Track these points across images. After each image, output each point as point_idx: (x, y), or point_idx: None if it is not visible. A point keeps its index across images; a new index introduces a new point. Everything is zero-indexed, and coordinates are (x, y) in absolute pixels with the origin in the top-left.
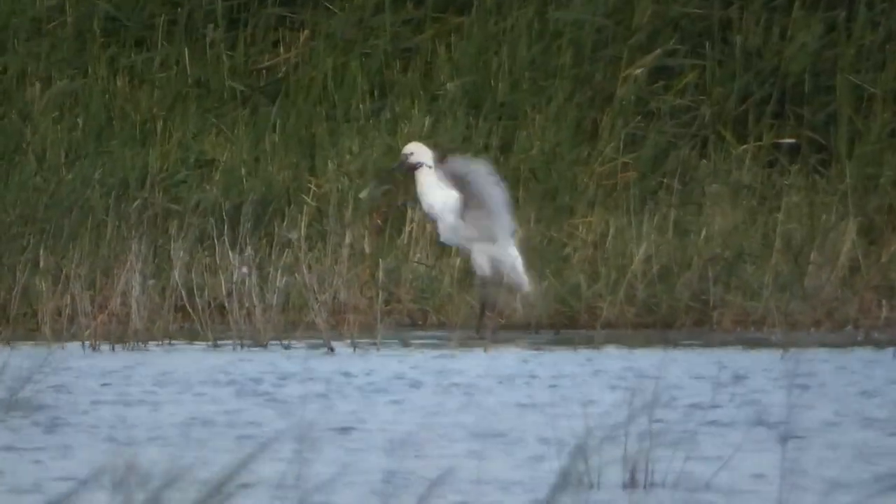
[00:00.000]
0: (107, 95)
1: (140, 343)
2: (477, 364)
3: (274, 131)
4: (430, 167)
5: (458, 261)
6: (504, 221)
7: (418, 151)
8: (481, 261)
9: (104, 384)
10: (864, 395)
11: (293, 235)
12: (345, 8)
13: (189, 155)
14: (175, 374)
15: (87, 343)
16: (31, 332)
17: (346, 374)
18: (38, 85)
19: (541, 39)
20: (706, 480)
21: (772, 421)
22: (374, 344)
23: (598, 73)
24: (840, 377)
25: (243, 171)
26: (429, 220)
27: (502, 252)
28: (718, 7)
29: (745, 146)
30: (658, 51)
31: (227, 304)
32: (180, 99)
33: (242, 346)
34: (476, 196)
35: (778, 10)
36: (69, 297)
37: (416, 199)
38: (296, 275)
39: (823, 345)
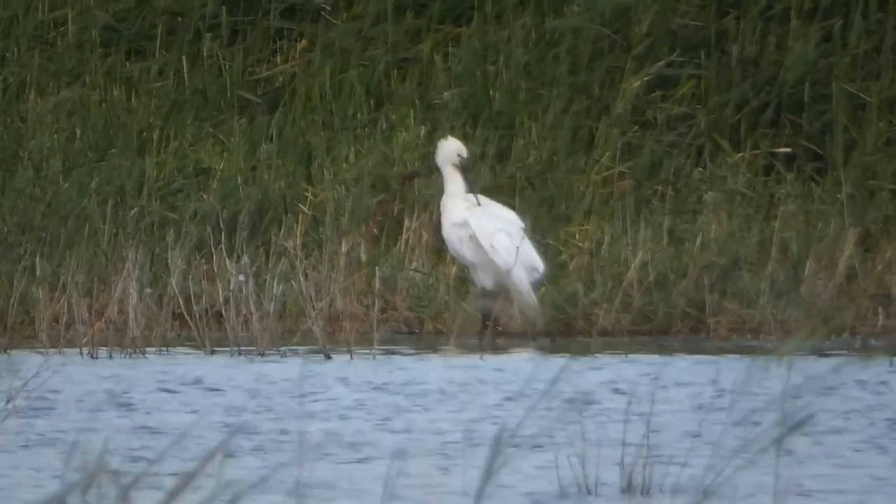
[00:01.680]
0: (104, 105)
1: (137, 350)
2: (474, 371)
3: (270, 140)
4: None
5: (453, 269)
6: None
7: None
8: (484, 276)
9: (101, 391)
10: (861, 401)
11: (289, 244)
12: (343, 18)
13: (186, 163)
14: (172, 382)
15: (84, 350)
16: (28, 340)
17: (343, 382)
18: (34, 94)
19: (538, 48)
20: (703, 487)
21: (768, 428)
22: (371, 351)
23: (595, 83)
24: (835, 384)
25: (240, 179)
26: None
27: (511, 274)
28: (715, 17)
29: (741, 154)
30: (656, 61)
31: (224, 312)
32: (177, 108)
33: (239, 353)
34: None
35: (774, 20)
36: (66, 304)
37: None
38: (292, 283)
39: (820, 352)
